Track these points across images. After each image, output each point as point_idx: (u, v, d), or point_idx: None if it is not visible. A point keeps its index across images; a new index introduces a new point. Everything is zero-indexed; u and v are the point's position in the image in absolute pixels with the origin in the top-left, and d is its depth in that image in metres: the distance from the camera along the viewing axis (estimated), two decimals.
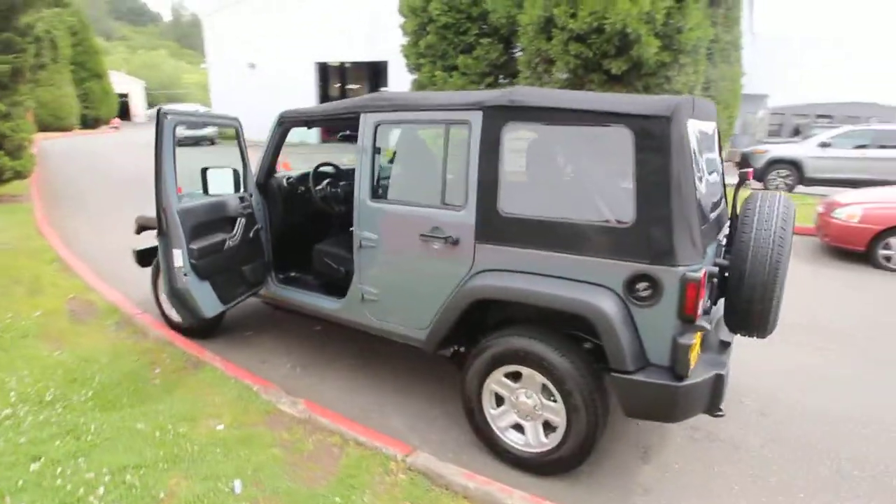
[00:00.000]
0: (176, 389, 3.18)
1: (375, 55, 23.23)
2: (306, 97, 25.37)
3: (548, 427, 2.54)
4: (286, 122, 3.36)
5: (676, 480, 2.59)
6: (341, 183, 3.88)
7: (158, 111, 2.79)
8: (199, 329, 3.95)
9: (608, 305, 2.20)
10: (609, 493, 2.49)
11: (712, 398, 2.24)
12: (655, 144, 2.12)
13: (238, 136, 3.40)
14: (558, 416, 2.45)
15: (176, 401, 3.05)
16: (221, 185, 3.30)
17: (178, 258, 2.86)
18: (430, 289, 2.76)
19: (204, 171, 3.28)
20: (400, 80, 22.03)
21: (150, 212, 4.20)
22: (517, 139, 2.46)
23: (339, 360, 3.74)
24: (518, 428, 2.62)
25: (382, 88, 17.98)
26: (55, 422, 2.76)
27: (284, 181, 3.71)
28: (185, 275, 2.91)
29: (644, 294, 2.20)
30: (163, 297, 4.15)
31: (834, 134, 10.69)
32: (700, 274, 2.09)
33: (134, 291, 4.95)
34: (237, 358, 3.70)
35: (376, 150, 2.89)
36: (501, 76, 11.76)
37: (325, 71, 26.95)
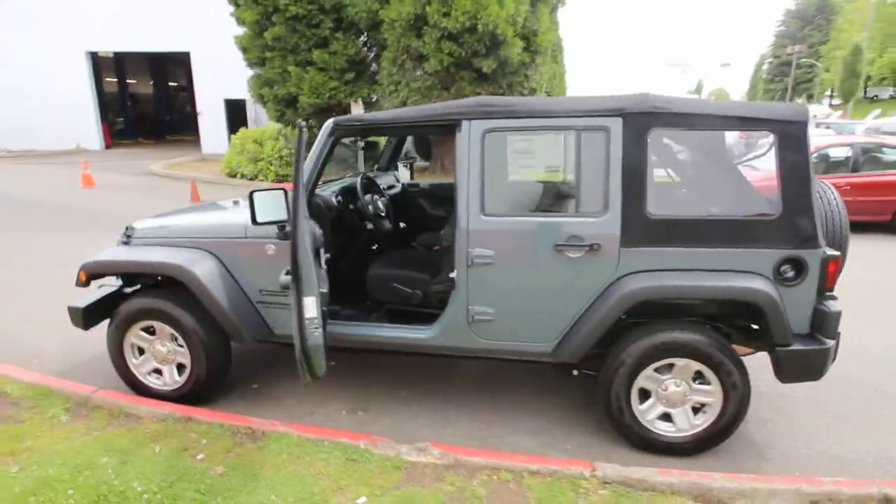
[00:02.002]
0: (259, 472, 2.53)
1: (171, 45, 20.22)
2: (78, 95, 21.02)
3: (695, 410, 2.74)
4: (339, 131, 2.86)
5: (776, 430, 3.03)
6: (378, 197, 3.45)
7: (300, 125, 2.14)
8: (190, 394, 3.19)
9: (771, 289, 2.47)
10: (746, 452, 2.80)
11: (835, 352, 2.69)
12: (795, 145, 2.44)
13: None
14: (711, 396, 2.66)
15: (276, 485, 2.44)
16: (272, 210, 2.70)
17: (312, 308, 2.26)
18: (562, 300, 2.70)
19: (252, 194, 2.65)
20: (208, 74, 19.73)
21: (95, 254, 3.20)
22: (660, 144, 2.55)
23: (393, 392, 3.39)
24: (665, 417, 2.76)
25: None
26: None
27: (334, 199, 3.15)
28: (317, 328, 2.33)
29: (789, 275, 2.52)
30: (133, 363, 3.22)
31: None
32: (838, 252, 2.49)
33: (37, 359, 3.71)
34: (278, 416, 3.09)
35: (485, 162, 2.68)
36: (361, 72, 11.44)
37: (97, 62, 22.50)
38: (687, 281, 2.52)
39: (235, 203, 3.51)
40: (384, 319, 3.16)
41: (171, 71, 30.73)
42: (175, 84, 32.37)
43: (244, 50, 11.80)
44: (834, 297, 2.62)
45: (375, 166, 4.23)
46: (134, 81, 29.92)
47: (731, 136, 3.04)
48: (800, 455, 2.81)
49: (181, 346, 3.14)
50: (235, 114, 20.18)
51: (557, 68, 13.40)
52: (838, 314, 2.52)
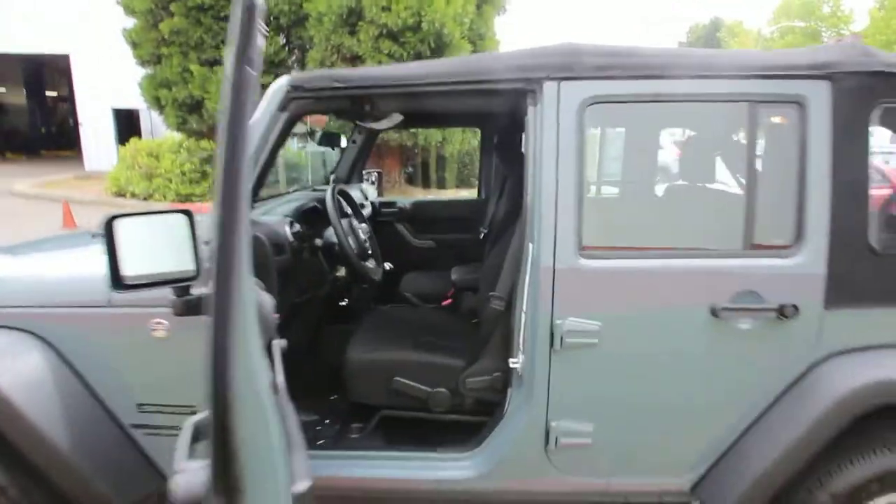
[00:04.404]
0: None
1: (47, 46, 17.20)
2: None
3: None
4: (299, 102, 1.52)
5: None
6: (358, 222, 2.09)
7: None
8: None
9: None
10: None
11: None
12: None
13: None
14: None
15: None
16: (161, 256, 1.29)
17: None
18: (720, 402, 1.54)
19: (109, 223, 1.23)
20: (92, 78, 16.90)
21: None
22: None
23: None
24: None
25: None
26: None
27: (288, 231, 1.74)
28: None
29: None
30: None
31: None
32: None
33: None
34: None
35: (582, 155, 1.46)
36: (280, 76, 9.85)
37: None
38: None
39: (95, 237, 2.00)
40: (378, 439, 1.81)
41: (49, 78, 26.80)
42: (55, 94, 28.35)
43: (134, 45, 9.83)
44: None
45: (332, 177, 2.87)
46: (3, 90, 25.77)
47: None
48: None
49: None
50: (128, 125, 17.53)
51: None
52: None
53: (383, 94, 1.54)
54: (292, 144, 8.96)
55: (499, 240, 2.20)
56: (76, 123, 19.46)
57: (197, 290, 1.35)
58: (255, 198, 1.61)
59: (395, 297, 2.61)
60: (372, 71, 1.50)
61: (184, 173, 11.00)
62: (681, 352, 1.50)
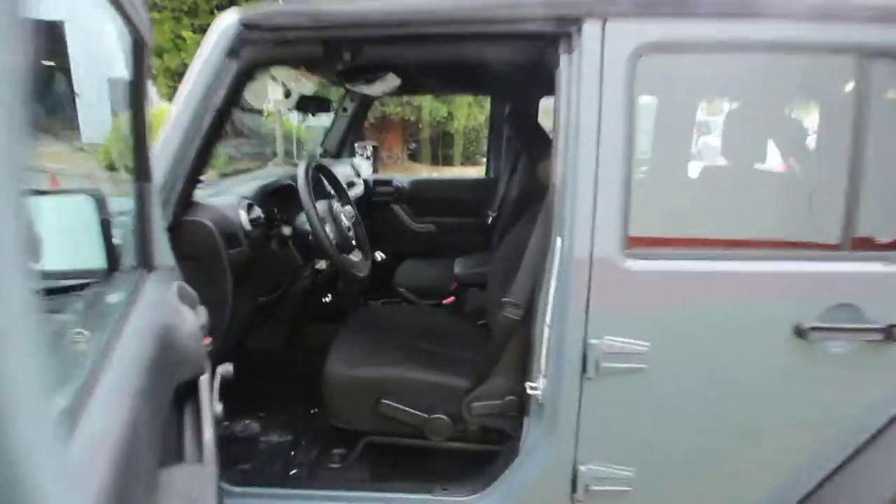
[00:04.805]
0: None
1: (38, 11, 16.60)
2: None
3: None
4: (254, 48, 1.16)
5: None
6: (341, 205, 1.74)
7: None
8: None
9: None
10: None
11: None
12: None
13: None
14: None
15: None
16: (53, 253, 0.95)
17: None
18: (795, 445, 1.21)
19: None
20: (87, 47, 16.35)
21: None
22: None
23: None
24: None
25: None
26: None
27: (245, 217, 1.40)
28: None
29: None
30: None
31: None
32: None
33: None
34: None
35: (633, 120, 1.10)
36: None
37: None
38: None
39: None
40: (362, 471, 1.49)
41: (45, 48, 26.25)
42: (52, 63, 27.81)
43: None
44: None
45: (320, 150, 2.51)
46: None
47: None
48: None
49: None
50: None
51: None
52: None
53: (367, 37, 1.17)
54: (292, 117, 8.60)
55: (510, 226, 1.86)
56: (73, 94, 19.02)
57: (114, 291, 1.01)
58: (200, 174, 1.26)
59: (388, 290, 2.28)
60: (352, 6, 1.12)
61: None
62: (752, 382, 1.16)
